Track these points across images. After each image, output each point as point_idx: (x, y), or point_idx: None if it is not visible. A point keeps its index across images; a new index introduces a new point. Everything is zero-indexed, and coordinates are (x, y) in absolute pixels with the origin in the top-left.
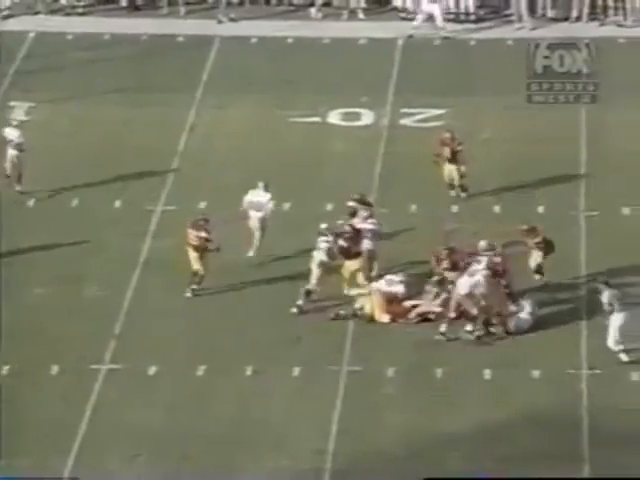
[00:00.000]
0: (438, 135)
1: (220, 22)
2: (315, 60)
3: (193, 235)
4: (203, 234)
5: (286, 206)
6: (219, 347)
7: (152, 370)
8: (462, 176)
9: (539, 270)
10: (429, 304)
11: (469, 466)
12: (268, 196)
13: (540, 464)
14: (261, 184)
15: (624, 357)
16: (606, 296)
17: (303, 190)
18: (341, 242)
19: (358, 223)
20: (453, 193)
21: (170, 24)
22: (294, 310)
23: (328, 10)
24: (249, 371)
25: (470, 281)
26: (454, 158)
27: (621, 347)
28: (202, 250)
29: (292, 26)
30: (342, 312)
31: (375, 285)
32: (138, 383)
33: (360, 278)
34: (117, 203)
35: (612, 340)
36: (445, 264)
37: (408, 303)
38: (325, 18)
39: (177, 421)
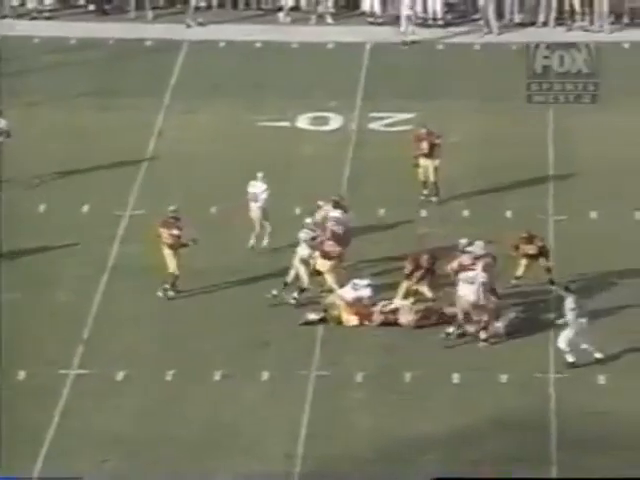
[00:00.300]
0: (413, 132)
1: (188, 26)
2: (283, 64)
3: (166, 234)
4: (175, 232)
5: None
6: (188, 352)
7: (120, 375)
8: (435, 169)
9: (549, 271)
10: (406, 314)
11: (438, 469)
12: (263, 187)
13: (508, 467)
14: (260, 175)
15: (570, 357)
16: (569, 302)
17: (272, 194)
18: (327, 235)
19: (326, 210)
20: (426, 192)
21: (138, 28)
22: (292, 301)
23: (296, 14)
24: (218, 375)
25: (473, 288)
26: (432, 152)
27: (569, 348)
28: (176, 247)
29: (260, 30)
30: (311, 317)
31: (341, 291)
32: (107, 388)
33: (330, 279)
34: (85, 208)
35: (563, 341)
36: (421, 273)
37: (376, 308)
38: (293, 22)
39: (146, 426)
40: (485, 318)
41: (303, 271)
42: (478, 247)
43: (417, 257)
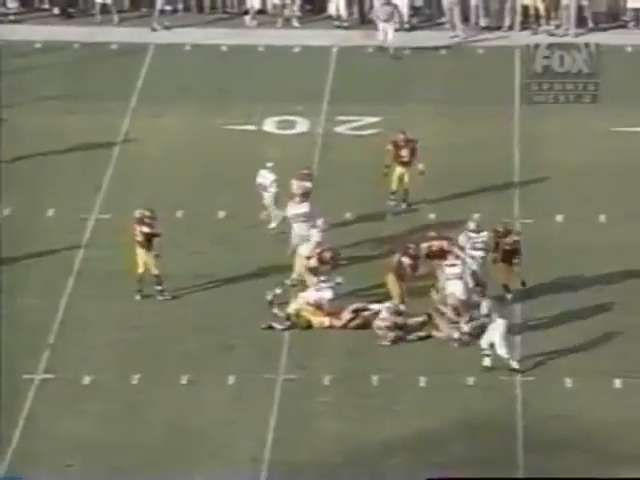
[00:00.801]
0: (390, 139)
1: (154, 30)
2: (250, 68)
3: (137, 230)
4: (145, 229)
5: (221, 214)
6: (154, 356)
7: (86, 380)
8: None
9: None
10: (384, 332)
11: (405, 473)
12: (272, 178)
13: (475, 470)
14: (269, 164)
15: (514, 364)
16: (484, 307)
17: (237, 198)
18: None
19: (292, 208)
20: (394, 198)
21: (103, 32)
22: (268, 297)
23: (262, 18)
24: (184, 380)
25: (461, 284)
26: (412, 159)
27: (510, 355)
28: (147, 247)
29: (226, 34)
30: (278, 327)
31: (303, 294)
32: (72, 393)
33: (305, 275)
34: (50, 212)
35: (502, 349)
36: (419, 263)
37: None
38: (259, 26)
39: (112, 430)
40: (471, 314)
41: (298, 263)
42: (481, 237)
43: (407, 249)
